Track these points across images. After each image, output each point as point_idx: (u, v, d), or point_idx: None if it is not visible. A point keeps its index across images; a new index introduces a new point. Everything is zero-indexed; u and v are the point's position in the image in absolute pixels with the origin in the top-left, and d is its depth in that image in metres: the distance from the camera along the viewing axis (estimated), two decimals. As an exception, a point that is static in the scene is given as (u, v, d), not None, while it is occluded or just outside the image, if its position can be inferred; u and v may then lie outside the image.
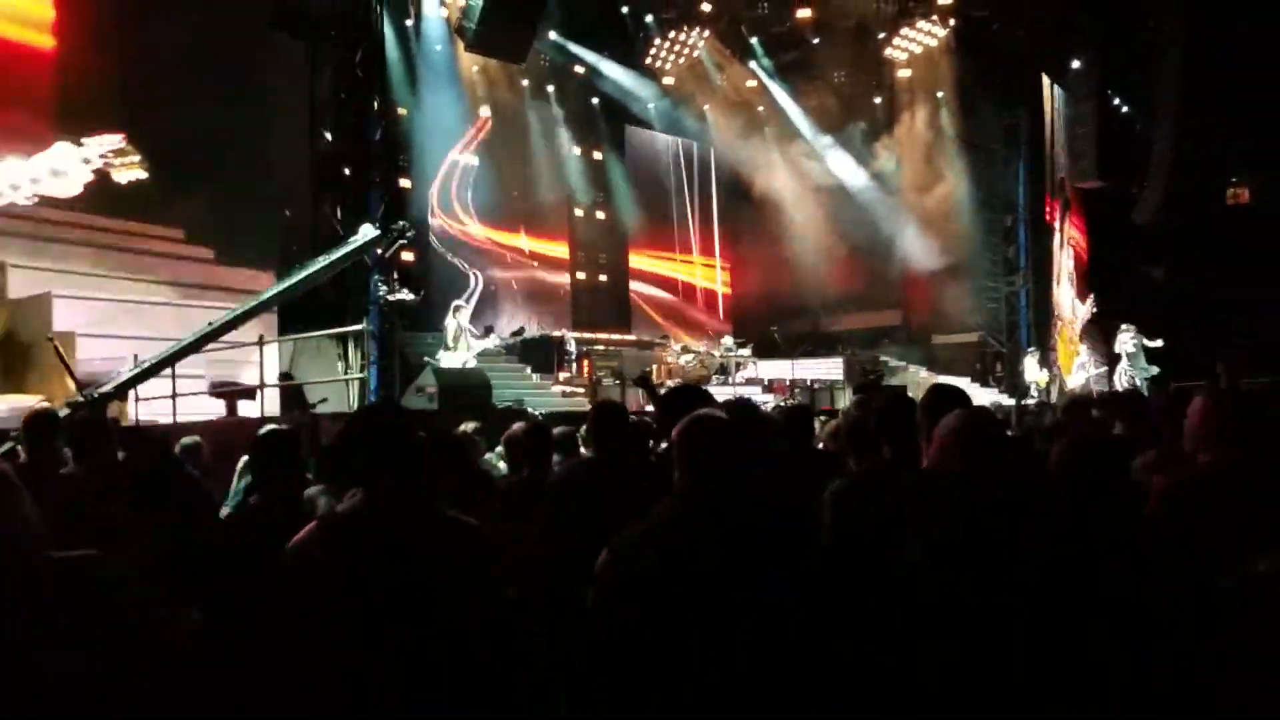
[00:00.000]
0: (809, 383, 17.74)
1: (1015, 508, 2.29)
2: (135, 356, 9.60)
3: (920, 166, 21.18)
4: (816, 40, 20.58)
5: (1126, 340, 16.20)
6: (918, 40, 20.33)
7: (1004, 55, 19.64)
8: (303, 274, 10.61)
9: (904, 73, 21.08)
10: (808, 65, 21.27)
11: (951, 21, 19.73)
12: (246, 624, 2.68)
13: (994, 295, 21.40)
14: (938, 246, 20.94)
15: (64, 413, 8.35)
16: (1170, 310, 17.16)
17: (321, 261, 10.60)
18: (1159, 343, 16.00)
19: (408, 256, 14.39)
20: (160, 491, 3.77)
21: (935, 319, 21.70)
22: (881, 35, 20.45)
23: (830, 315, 22.55)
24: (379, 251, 11.10)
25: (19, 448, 5.10)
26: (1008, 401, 16.26)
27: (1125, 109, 20.67)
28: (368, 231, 10.30)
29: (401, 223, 10.78)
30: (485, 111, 19.45)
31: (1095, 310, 20.05)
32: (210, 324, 9.64)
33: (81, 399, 8.31)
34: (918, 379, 18.35)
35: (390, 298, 10.70)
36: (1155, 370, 15.83)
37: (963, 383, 18.61)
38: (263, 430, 3.61)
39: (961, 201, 20.84)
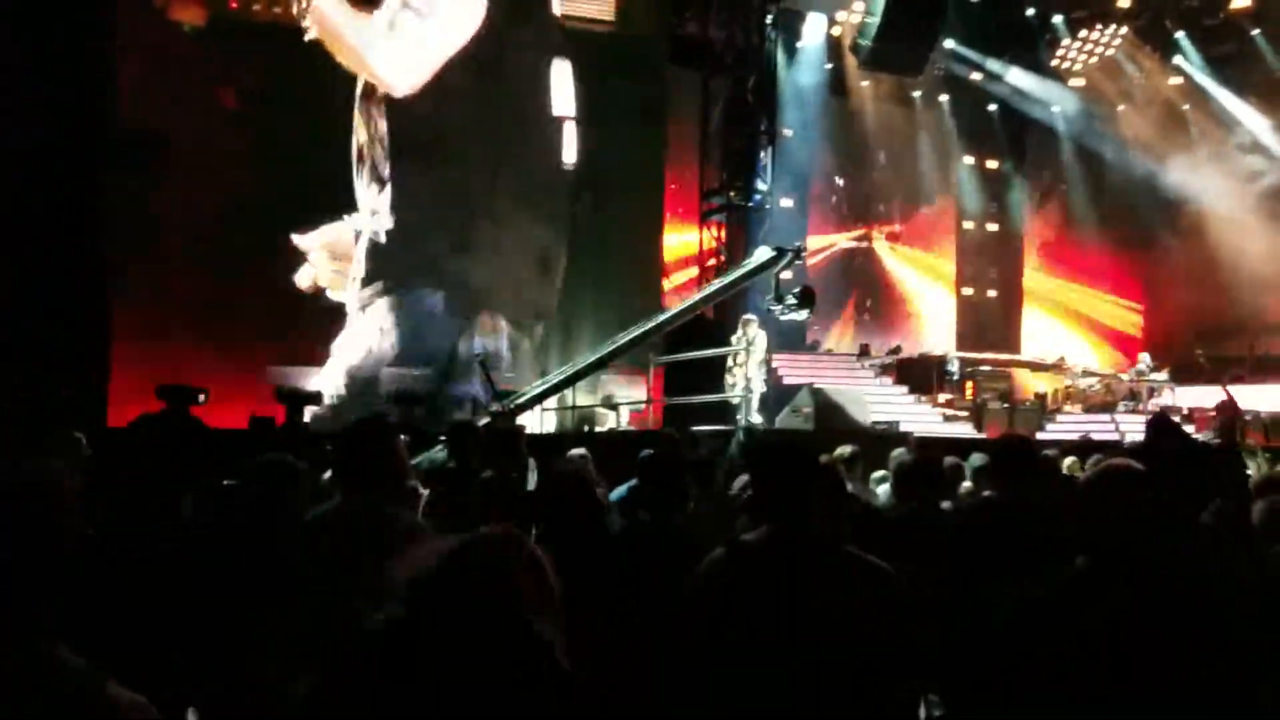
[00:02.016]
0: (1243, 413, 15.36)
1: None
2: (542, 371, 10.61)
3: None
4: (1257, 30, 17.97)
5: None
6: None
7: None
8: (702, 294, 11.01)
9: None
10: (1245, 59, 18.63)
11: None
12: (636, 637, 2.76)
13: None
14: None
15: (484, 422, 9.38)
16: None
17: (719, 282, 10.91)
18: None
19: (786, 275, 14.57)
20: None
21: None
22: (1342, 20, 17.40)
23: (1272, 336, 19.42)
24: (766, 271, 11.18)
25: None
26: None
27: None
28: (764, 253, 10.42)
29: (797, 244, 10.79)
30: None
31: None
32: (613, 342, 10.32)
33: (500, 409, 9.23)
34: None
35: (783, 317, 10.69)
36: None
37: None
38: (644, 453, 3.78)
39: None
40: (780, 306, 10.29)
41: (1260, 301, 18.78)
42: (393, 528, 2.72)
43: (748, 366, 10.91)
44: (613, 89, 13.93)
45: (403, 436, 3.28)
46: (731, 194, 15.22)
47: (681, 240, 16.22)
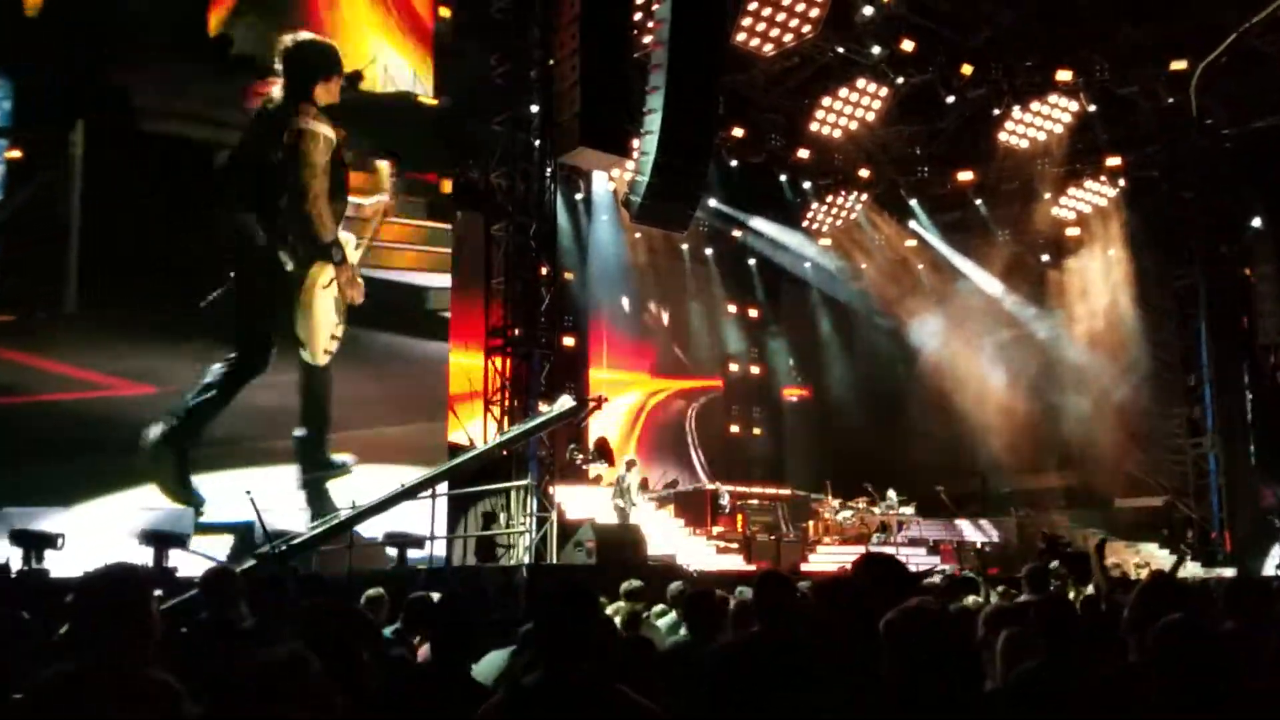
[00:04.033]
0: (979, 545, 16.92)
1: None
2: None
3: (1092, 325, 20.49)
4: (979, 201, 20.63)
5: None
6: (1086, 200, 20.03)
7: (1175, 215, 19.20)
8: (501, 439, 11.06)
9: (1072, 231, 20.71)
10: (970, 225, 21.28)
11: (1121, 181, 19.43)
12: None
13: (1179, 458, 20.08)
14: (1115, 406, 19.97)
15: (250, 564, 8.91)
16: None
17: (518, 428, 11.02)
18: None
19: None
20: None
21: (1115, 481, 20.50)
22: (1048, 195, 20.25)
23: (1000, 475, 21.61)
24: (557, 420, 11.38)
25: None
26: (1203, 571, 14.98)
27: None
28: (566, 401, 10.64)
29: (599, 395, 11.12)
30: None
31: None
32: (403, 485, 10.12)
33: (270, 550, 8.78)
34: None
35: (584, 466, 11.09)
36: None
37: (1151, 548, 17.40)
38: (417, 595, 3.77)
39: (1139, 361, 19.94)
40: (582, 456, 10.67)
41: (990, 442, 20.94)
42: (136, 692, 2.46)
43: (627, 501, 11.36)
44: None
45: (157, 590, 3.07)
46: (516, 332, 15.50)
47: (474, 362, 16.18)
